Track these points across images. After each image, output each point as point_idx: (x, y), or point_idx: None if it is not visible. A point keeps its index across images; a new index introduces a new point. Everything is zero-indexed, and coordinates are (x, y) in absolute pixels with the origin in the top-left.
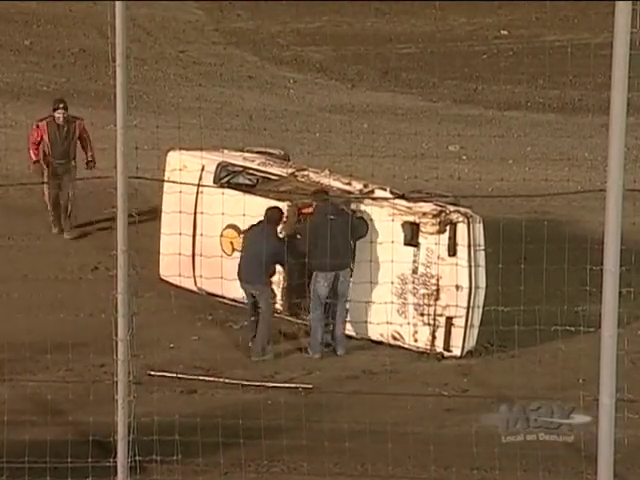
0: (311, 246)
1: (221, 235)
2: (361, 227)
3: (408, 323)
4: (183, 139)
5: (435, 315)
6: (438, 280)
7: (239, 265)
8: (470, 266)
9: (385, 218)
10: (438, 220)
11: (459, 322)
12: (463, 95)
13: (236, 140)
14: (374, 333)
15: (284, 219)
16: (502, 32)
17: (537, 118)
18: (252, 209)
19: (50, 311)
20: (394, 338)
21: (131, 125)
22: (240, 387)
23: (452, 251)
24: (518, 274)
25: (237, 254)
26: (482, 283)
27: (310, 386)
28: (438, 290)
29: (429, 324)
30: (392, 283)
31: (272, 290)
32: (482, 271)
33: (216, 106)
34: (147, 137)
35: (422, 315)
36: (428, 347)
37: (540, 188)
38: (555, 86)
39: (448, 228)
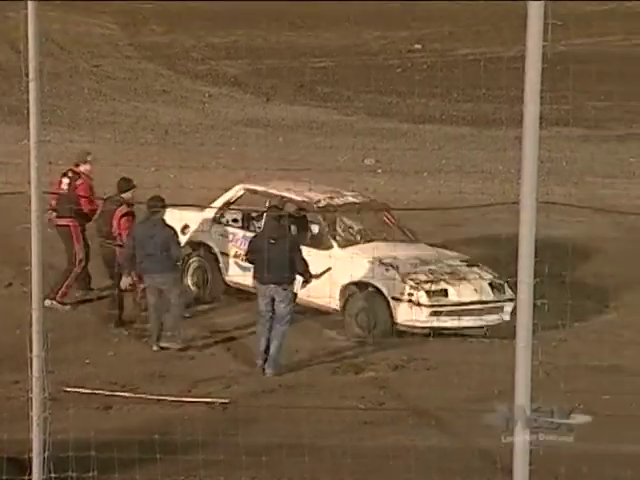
0: (253, 260)
1: None
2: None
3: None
4: (97, 154)
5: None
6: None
7: (142, 262)
8: None
9: None
10: None
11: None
12: (378, 108)
13: (151, 154)
14: None
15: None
16: (416, 46)
17: (451, 131)
18: None
19: None
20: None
21: (45, 140)
22: (156, 402)
23: None
24: None
25: None
26: None
27: (227, 400)
28: None
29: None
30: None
31: (179, 280)
32: None
33: (131, 120)
34: (61, 152)
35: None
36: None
37: (455, 201)
38: (469, 99)
39: None
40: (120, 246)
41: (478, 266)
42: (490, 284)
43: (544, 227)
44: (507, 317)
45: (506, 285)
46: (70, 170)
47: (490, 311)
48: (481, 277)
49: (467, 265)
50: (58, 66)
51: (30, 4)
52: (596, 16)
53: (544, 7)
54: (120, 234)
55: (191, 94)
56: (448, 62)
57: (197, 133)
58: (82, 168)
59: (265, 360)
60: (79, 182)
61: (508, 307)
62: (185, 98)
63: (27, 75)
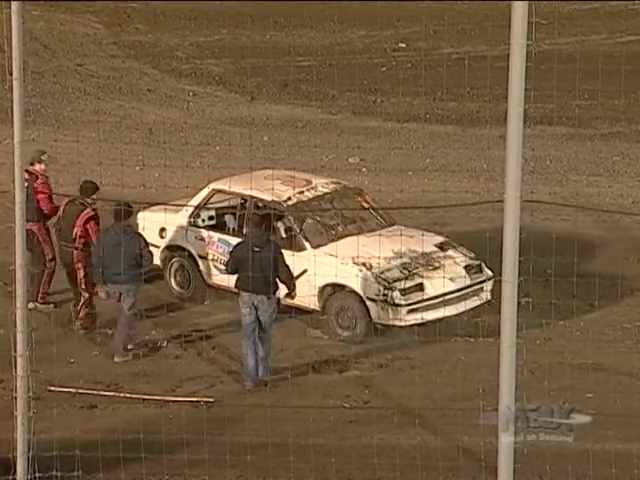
0: (236, 268)
1: None
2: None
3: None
4: (82, 153)
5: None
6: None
7: (102, 268)
8: None
9: None
10: None
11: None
12: (362, 107)
13: (135, 153)
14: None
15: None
16: (400, 45)
17: (436, 130)
18: None
19: None
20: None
21: (28, 139)
22: (141, 402)
23: None
24: None
25: None
26: None
27: (212, 399)
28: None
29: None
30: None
31: (137, 291)
32: None
33: (115, 119)
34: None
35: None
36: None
37: (439, 199)
38: (453, 98)
39: None
40: (77, 249)
41: (454, 248)
42: (467, 266)
43: (528, 225)
44: (488, 295)
45: (483, 264)
46: (24, 171)
47: (469, 295)
48: (456, 262)
49: (442, 249)
50: (42, 65)
51: (14, 3)
52: (580, 15)
53: (528, 6)
54: (84, 236)
55: (175, 93)
56: (432, 61)
57: (181, 132)
58: (37, 167)
59: (255, 380)
60: (39, 183)
61: (488, 285)
62: (169, 97)
63: (11, 74)
